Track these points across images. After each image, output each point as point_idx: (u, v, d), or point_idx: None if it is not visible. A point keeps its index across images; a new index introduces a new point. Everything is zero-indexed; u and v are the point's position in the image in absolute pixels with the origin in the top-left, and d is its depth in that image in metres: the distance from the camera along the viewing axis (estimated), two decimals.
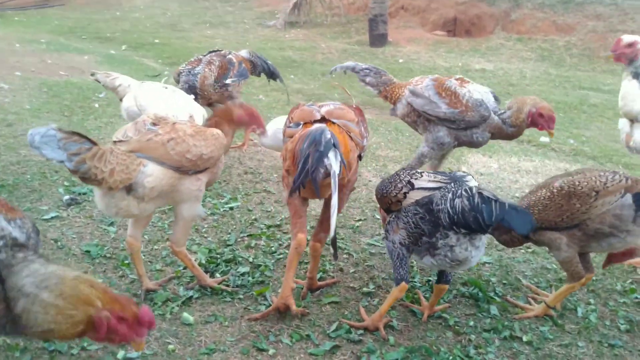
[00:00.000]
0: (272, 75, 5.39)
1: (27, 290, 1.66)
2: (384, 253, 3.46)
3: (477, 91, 3.68)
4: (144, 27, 14.20)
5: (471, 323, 2.78)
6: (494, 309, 2.91)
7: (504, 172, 5.33)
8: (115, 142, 2.57)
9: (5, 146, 4.84)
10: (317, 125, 2.59)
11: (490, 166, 5.45)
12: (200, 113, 4.16)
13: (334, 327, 2.65)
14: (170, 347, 2.43)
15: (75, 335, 1.74)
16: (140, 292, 2.83)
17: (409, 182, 2.54)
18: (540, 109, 3.48)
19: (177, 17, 15.86)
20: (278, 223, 3.78)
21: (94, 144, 2.38)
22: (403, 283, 2.52)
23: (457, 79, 3.75)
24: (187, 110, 4.07)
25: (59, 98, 6.67)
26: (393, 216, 2.61)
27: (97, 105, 6.58)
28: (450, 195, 2.36)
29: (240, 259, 3.28)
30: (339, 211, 2.52)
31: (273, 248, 3.43)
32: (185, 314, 2.66)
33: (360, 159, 2.86)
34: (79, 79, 7.80)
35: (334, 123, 2.66)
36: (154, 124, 2.62)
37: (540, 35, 12.75)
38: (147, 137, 2.55)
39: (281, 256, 3.34)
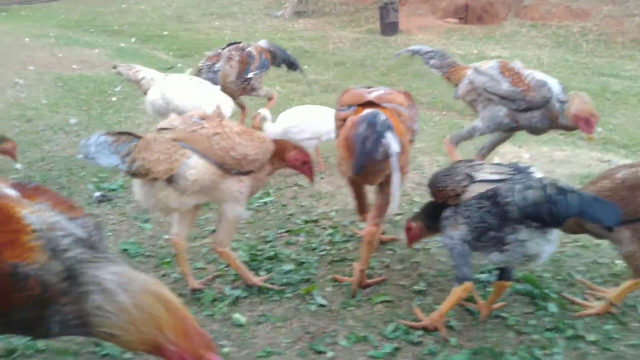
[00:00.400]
0: (292, 65, 5.24)
1: (108, 287, 1.54)
2: (429, 248, 3.34)
3: (540, 75, 3.68)
4: (150, 19, 14.02)
5: (531, 322, 2.66)
6: (552, 307, 2.79)
7: (538, 162, 5.19)
8: (160, 129, 2.47)
9: (28, 142, 4.73)
10: (369, 110, 2.56)
11: (522, 156, 5.31)
12: (227, 104, 4.03)
13: (391, 327, 2.54)
14: (225, 350, 2.32)
15: (140, 350, 1.63)
16: (185, 291, 2.73)
17: (469, 175, 2.41)
18: (580, 112, 3.37)
19: (183, 9, 15.66)
20: (315, 218, 3.66)
21: (140, 137, 2.29)
22: (467, 282, 2.40)
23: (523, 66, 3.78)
24: (214, 102, 3.94)
25: (75, 92, 6.55)
26: (450, 211, 2.49)
27: (114, 99, 6.47)
28: (519, 186, 2.24)
29: (282, 256, 3.16)
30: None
31: (314, 245, 3.31)
32: (236, 315, 2.55)
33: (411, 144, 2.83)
34: (92, 73, 7.67)
35: (384, 107, 2.61)
36: (202, 119, 2.51)
37: (555, 21, 12.54)
38: (193, 128, 2.44)
39: (323, 252, 3.23)
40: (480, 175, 2.39)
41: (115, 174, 4.18)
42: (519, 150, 5.48)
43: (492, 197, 2.32)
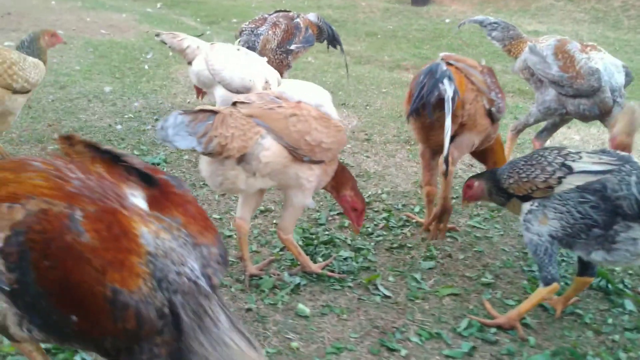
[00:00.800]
0: (334, 41, 4.97)
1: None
2: (491, 237, 3.18)
3: (602, 61, 3.43)
4: None
5: (609, 320, 2.51)
6: (629, 304, 2.63)
7: (589, 145, 4.97)
8: (235, 102, 2.31)
9: (64, 111, 4.59)
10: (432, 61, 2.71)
11: (573, 138, 5.08)
12: (275, 78, 3.84)
13: (464, 324, 2.39)
14: (294, 344, 2.19)
15: None
16: (243, 277, 2.60)
17: (565, 164, 2.21)
18: (616, 141, 2.86)
19: None
20: (367, 200, 3.49)
21: (217, 113, 2.14)
22: (555, 284, 2.23)
23: (586, 45, 3.53)
24: (263, 75, 3.76)
25: (107, 58, 6.37)
26: (535, 204, 2.31)
27: (146, 66, 6.29)
28: (634, 178, 2.04)
29: (337, 240, 3.02)
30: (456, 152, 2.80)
31: (369, 229, 3.16)
32: (300, 305, 2.42)
33: (493, 120, 2.84)
34: (122, 39, 7.47)
35: (451, 64, 2.69)
36: (278, 98, 2.34)
37: None
38: (270, 106, 2.27)
39: (380, 238, 3.08)
40: (579, 166, 2.19)
41: (157, 146, 4.04)
42: (568, 132, 5.24)
43: (598, 190, 2.12)
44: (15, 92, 3.25)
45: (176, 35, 3.82)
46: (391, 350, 2.23)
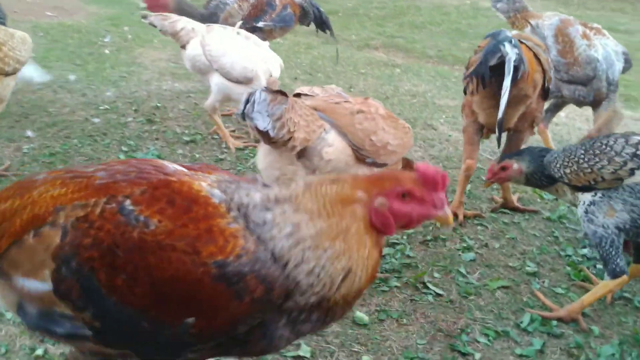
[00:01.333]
0: (322, 25, 4.64)
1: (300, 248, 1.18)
2: (518, 222, 3.11)
3: (603, 48, 3.42)
4: None
5: None
6: None
7: (574, 122, 5.03)
8: (298, 94, 2.08)
9: (30, 104, 4.11)
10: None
11: (559, 115, 5.11)
12: (278, 65, 3.55)
13: (526, 319, 2.29)
14: (365, 358, 2.02)
15: None
16: None
17: (637, 154, 2.12)
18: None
19: None
20: None
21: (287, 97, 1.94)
22: (624, 276, 2.16)
23: (591, 27, 3.48)
24: (267, 66, 3.46)
25: (61, 43, 5.81)
26: (598, 195, 2.21)
27: (107, 51, 5.79)
28: None
29: None
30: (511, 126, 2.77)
31: None
32: (358, 313, 2.23)
33: (546, 97, 2.86)
34: (72, 21, 6.86)
35: (521, 42, 2.62)
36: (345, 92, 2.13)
37: None
38: (336, 100, 2.05)
39: (412, 232, 2.93)
40: None
41: (144, 140, 3.68)
42: None
43: None
44: (7, 75, 2.84)
45: (167, 17, 3.45)
46: (464, 354, 2.10)
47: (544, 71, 2.66)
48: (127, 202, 1.18)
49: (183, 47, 3.51)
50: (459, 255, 2.74)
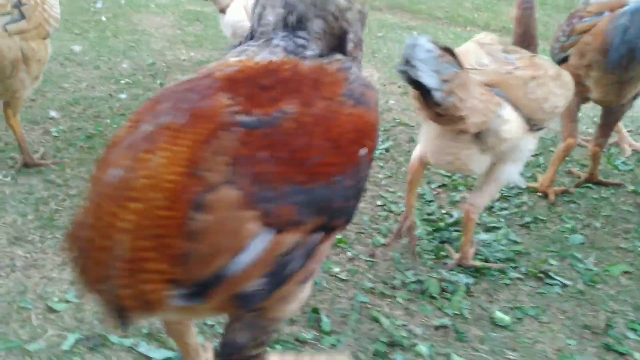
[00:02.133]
0: None
1: None
2: (607, 197, 2.93)
3: None
4: None
5: None
6: None
7: None
8: (466, 69, 1.78)
9: (42, 80, 3.63)
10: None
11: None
12: None
13: None
14: None
15: None
16: (395, 279, 2.13)
17: None
18: None
19: None
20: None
21: (461, 66, 1.62)
22: None
23: None
24: None
25: None
26: None
27: (103, 18, 5.26)
28: None
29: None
30: None
31: (504, 206, 2.78)
32: (498, 313, 2.01)
33: None
34: None
35: None
36: (507, 52, 1.83)
37: None
38: (507, 69, 1.77)
39: (504, 212, 2.71)
40: None
41: None
42: None
43: None
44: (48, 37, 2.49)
45: None
46: (622, 354, 1.91)
47: None
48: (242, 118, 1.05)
49: (222, 11, 3.12)
50: (566, 238, 2.54)
